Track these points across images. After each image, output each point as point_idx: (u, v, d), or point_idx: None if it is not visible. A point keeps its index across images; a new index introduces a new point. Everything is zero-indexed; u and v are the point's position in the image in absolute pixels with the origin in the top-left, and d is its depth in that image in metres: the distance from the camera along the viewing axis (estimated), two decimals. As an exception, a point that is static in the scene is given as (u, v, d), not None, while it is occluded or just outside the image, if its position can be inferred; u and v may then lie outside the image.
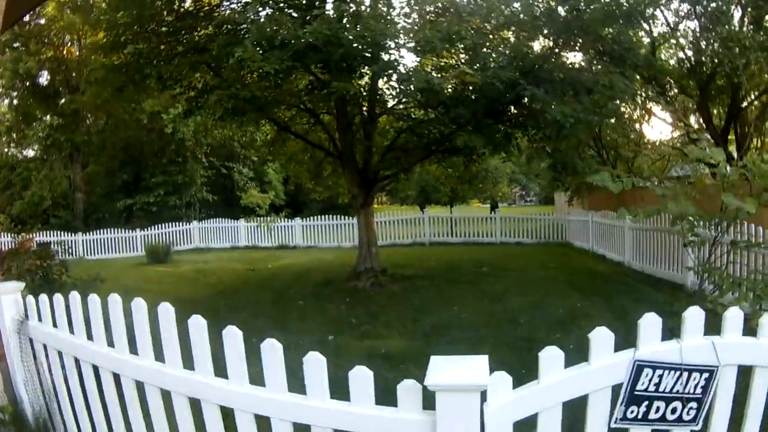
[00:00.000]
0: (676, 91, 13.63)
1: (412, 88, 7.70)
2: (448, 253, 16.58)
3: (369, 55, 7.87)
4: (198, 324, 2.64)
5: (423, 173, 21.12)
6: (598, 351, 2.32)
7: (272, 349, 2.42)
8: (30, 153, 28.73)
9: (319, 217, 21.30)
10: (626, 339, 6.46)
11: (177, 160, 26.63)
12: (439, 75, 7.92)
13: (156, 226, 22.09)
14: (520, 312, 8.43)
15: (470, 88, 8.79)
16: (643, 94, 11.27)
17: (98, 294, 3.31)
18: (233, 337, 2.51)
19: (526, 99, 8.12)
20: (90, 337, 3.24)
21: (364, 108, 10.96)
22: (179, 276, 14.06)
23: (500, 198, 29.34)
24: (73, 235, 21.68)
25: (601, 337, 2.33)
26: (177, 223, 22.70)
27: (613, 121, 12.75)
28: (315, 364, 2.33)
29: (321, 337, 7.39)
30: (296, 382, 2.54)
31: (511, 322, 7.86)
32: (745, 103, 13.69)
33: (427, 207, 25.01)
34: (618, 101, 9.26)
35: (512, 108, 9.32)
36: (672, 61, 14.07)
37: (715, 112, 14.78)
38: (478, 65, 8.08)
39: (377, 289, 10.37)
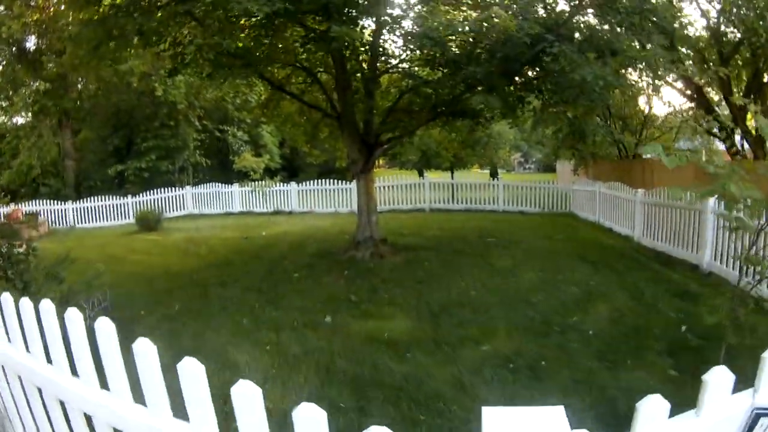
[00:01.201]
0: (691, 62, 12.66)
1: (429, 35, 6.74)
2: (449, 220, 15.89)
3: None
4: (145, 351, 1.84)
5: (425, 137, 20.24)
6: (712, 398, 1.62)
7: (247, 397, 1.63)
8: (20, 120, 27.65)
9: (315, 181, 20.53)
10: (647, 322, 5.96)
11: (169, 123, 25.58)
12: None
13: (147, 192, 21.24)
14: (532, 290, 7.84)
15: (483, 45, 7.97)
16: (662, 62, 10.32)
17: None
18: (194, 376, 1.73)
19: (547, 58, 7.28)
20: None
21: (365, 64, 10.08)
22: (168, 245, 13.37)
23: (501, 165, 28.47)
24: (63, 203, 20.83)
25: (719, 382, 1.63)
26: (169, 189, 21.79)
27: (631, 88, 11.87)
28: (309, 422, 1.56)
29: (317, 317, 6.75)
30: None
31: (524, 302, 7.27)
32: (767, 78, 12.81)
33: (426, 172, 24.25)
34: (642, 65, 8.36)
35: (529, 68, 8.43)
36: (690, 30, 13.08)
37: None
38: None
39: (377, 260, 9.69)
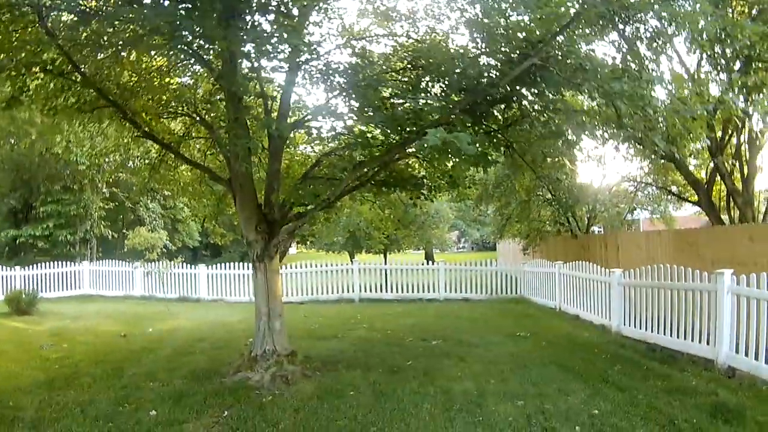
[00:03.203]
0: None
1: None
2: (383, 314, 12.60)
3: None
4: None
5: (353, 216, 17.12)
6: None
7: None
8: None
9: (227, 265, 16.95)
10: None
11: (72, 187, 21.79)
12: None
13: (38, 266, 17.39)
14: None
15: (434, 77, 5.15)
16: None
17: None
18: None
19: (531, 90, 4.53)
20: None
21: (274, 113, 7.07)
22: (25, 340, 9.69)
23: (437, 245, 25.53)
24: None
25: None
26: (64, 264, 18.07)
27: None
28: None
29: None
30: None
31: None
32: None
33: (356, 255, 21.15)
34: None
35: (504, 106, 5.52)
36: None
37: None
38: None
39: (280, 388, 6.28)
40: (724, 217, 12.07)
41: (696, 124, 5.76)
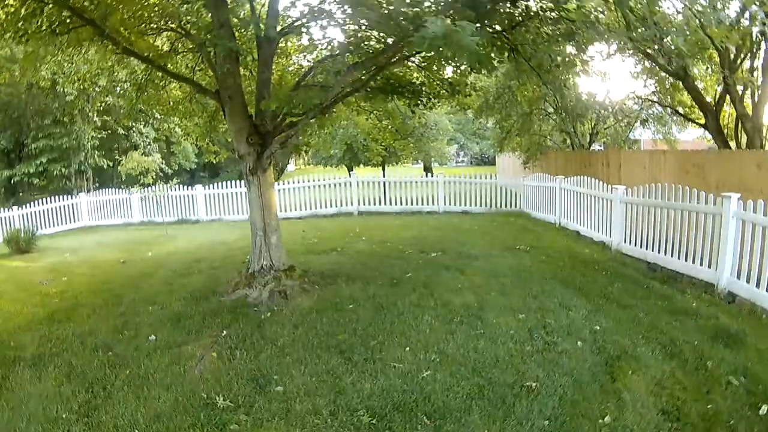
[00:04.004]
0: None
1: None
2: (382, 227, 12.49)
3: None
4: None
5: (349, 128, 16.59)
6: None
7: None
8: None
9: (223, 184, 16.64)
10: (714, 407, 3.72)
11: (62, 120, 21.14)
12: None
13: (35, 203, 16.88)
14: (518, 354, 4.68)
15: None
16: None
17: None
18: None
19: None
20: None
21: (263, 19, 6.60)
22: (23, 278, 9.35)
23: (437, 158, 25.15)
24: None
25: None
26: (60, 198, 17.49)
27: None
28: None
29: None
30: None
31: (516, 388, 4.08)
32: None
33: (354, 169, 20.81)
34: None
35: (509, 6, 5.01)
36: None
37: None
38: None
39: (279, 303, 6.19)
40: (731, 142, 11.75)
41: (718, 33, 5.31)
